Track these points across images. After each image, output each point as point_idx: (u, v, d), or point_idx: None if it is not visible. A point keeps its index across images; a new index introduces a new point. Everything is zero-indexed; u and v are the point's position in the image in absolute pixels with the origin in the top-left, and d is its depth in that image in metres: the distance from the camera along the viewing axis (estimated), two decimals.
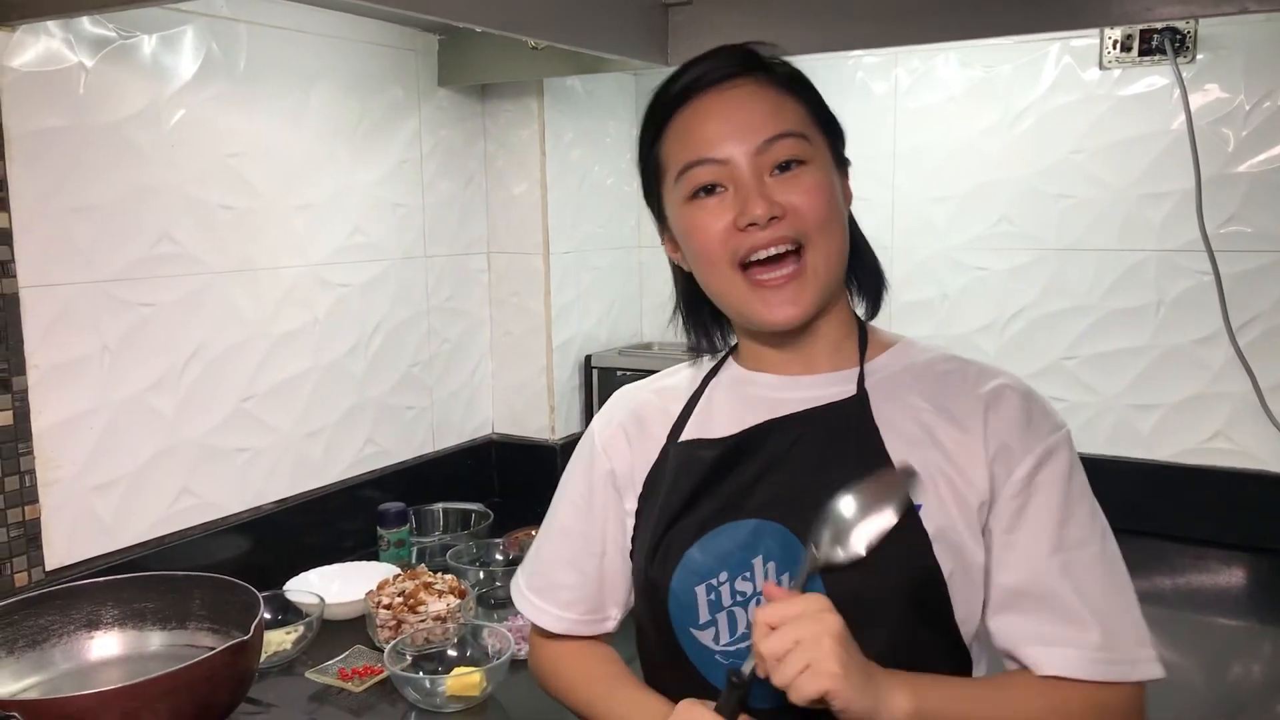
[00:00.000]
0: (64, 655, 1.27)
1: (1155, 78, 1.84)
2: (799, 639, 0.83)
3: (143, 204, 1.50)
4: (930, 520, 0.92)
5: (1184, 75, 1.78)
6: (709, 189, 0.95)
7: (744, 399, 1.04)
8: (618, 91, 2.31)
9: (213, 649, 1.24)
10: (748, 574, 0.97)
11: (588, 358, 2.22)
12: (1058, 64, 1.92)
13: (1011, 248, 2.01)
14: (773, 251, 0.93)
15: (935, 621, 0.93)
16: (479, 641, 1.42)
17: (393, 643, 1.39)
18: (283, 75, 1.71)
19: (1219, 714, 1.34)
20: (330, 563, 1.74)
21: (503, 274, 2.18)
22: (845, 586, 0.90)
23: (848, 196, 1.01)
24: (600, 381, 2.20)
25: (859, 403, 0.98)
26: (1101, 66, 1.89)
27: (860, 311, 1.06)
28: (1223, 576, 1.78)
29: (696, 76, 0.96)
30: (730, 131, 0.94)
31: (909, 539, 0.91)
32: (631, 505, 1.08)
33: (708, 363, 1.13)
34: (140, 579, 1.33)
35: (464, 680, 1.33)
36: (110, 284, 1.47)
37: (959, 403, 0.95)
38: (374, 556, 1.80)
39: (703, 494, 0.99)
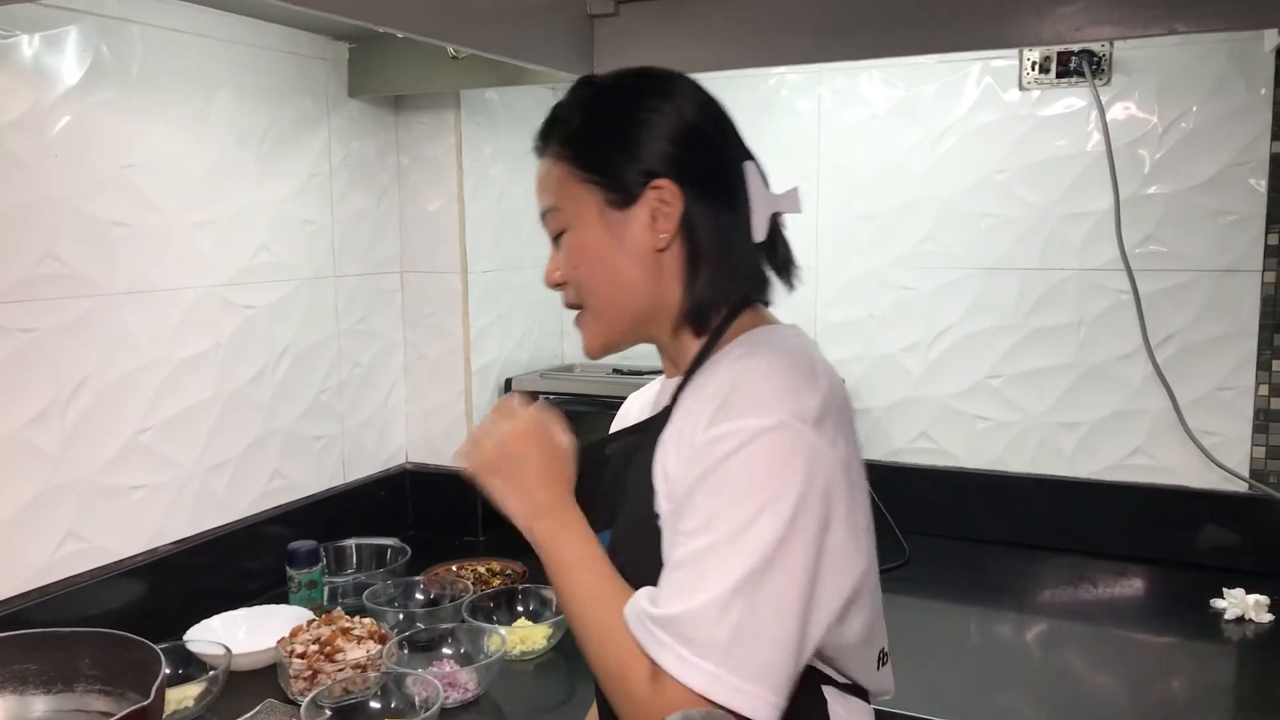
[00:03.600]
0: None
1: (1073, 99, 1.87)
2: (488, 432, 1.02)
3: (24, 220, 1.36)
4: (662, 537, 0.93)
5: (1101, 97, 1.81)
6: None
7: (650, 403, 1.10)
8: (535, 106, 2.24)
9: (107, 714, 1.12)
10: None
11: (508, 381, 2.13)
12: (979, 84, 1.93)
13: (936, 267, 2.00)
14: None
15: None
16: (403, 691, 1.32)
17: (309, 695, 1.28)
18: (182, 82, 1.58)
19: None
20: (235, 607, 1.61)
21: (417, 294, 2.08)
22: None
23: (654, 219, 0.96)
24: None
25: (659, 421, 0.97)
26: (1021, 87, 1.90)
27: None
28: (1142, 591, 1.80)
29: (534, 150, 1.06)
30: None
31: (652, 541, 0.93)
32: None
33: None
34: (19, 637, 1.19)
35: None
36: None
37: (701, 406, 0.92)
38: (283, 599, 1.68)
39: (581, 496, 1.04)
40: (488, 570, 1.79)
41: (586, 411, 2.13)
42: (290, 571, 1.64)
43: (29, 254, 1.37)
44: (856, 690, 0.98)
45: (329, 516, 1.89)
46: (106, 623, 1.43)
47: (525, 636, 1.52)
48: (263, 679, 1.44)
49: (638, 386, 2.01)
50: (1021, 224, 1.93)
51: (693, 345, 1.00)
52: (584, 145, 0.98)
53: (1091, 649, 1.57)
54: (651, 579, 0.88)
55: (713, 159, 1.00)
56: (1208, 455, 1.81)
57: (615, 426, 1.15)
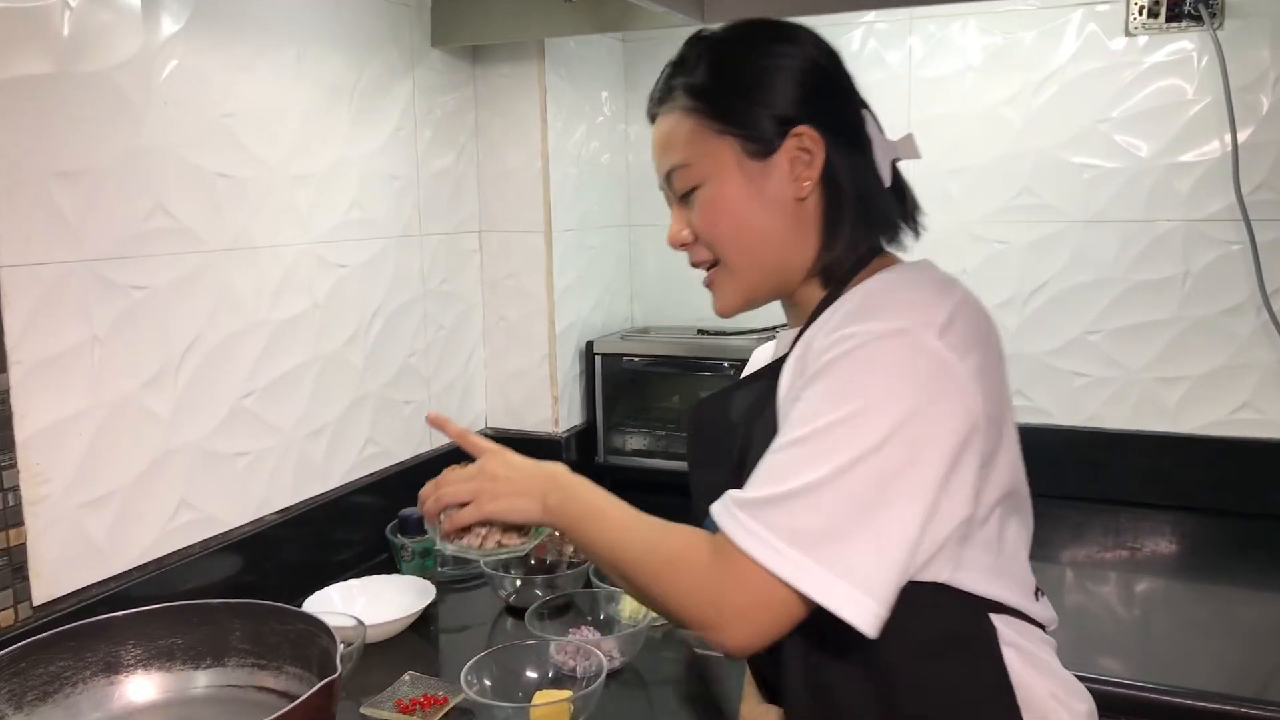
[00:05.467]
0: (90, 704, 1.05)
1: (1184, 43, 1.81)
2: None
3: (135, 169, 1.28)
4: None
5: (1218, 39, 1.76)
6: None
7: (769, 355, 1.09)
8: (607, 58, 2.17)
9: (268, 689, 1.06)
10: None
11: (589, 344, 2.07)
12: (1081, 31, 1.88)
13: (1033, 220, 1.95)
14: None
15: None
16: (552, 660, 1.26)
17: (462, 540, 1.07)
18: (276, 30, 1.49)
19: (1268, 674, 1.30)
20: (335, 578, 1.55)
21: (495, 254, 2.01)
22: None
23: (795, 167, 0.94)
24: (604, 369, 2.05)
25: (780, 362, 0.95)
26: (1127, 33, 1.85)
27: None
28: (1254, 549, 1.77)
29: (648, 108, 1.04)
30: (655, 163, 1.02)
31: None
32: None
33: None
34: (168, 610, 1.12)
35: (550, 709, 1.17)
36: (100, 263, 1.24)
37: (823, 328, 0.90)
38: (383, 569, 1.61)
39: (696, 458, 1.06)
40: None
41: (669, 373, 2.08)
42: (401, 540, 1.57)
43: (140, 206, 1.29)
44: (1026, 619, 0.94)
45: (418, 484, 1.81)
46: (217, 596, 1.36)
47: None
48: (396, 651, 1.38)
49: (720, 347, 1.97)
50: (1124, 175, 1.88)
51: (818, 293, 0.97)
52: (716, 96, 0.95)
53: (1202, 608, 1.54)
54: None
55: (843, 103, 0.98)
56: None
57: None
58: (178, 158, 1.34)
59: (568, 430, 2.04)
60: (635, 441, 2.11)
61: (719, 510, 0.83)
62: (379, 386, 1.75)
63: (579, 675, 1.23)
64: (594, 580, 1.50)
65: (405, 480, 1.80)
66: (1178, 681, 1.26)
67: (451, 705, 1.22)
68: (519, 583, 1.53)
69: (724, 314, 1.01)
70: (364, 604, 1.45)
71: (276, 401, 1.53)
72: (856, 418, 0.79)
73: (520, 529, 1.03)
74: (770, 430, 0.88)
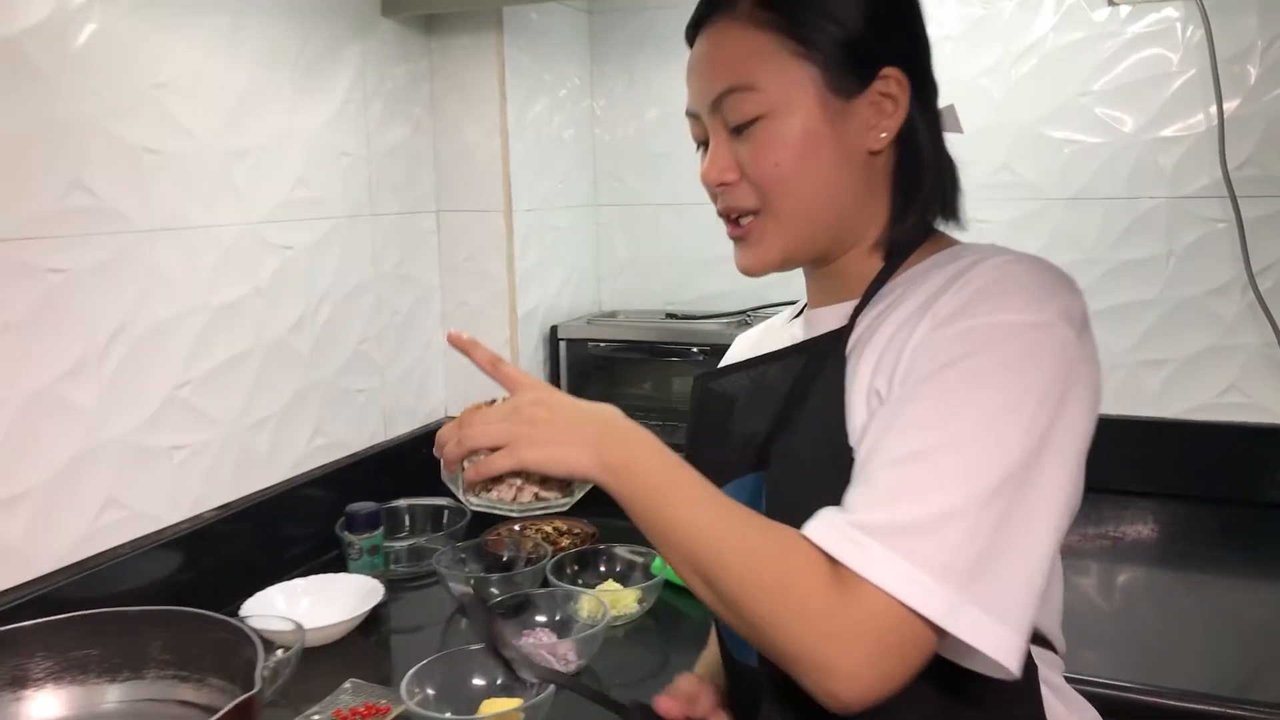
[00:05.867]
0: None
1: (1168, 11, 1.74)
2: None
3: (48, 142, 1.19)
4: None
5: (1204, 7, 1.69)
6: (702, 143, 0.89)
7: (786, 335, 0.96)
8: (571, 31, 2.08)
9: (194, 704, 0.98)
10: None
11: (553, 329, 1.99)
12: (1062, 1, 1.80)
13: (1014, 198, 1.88)
14: (739, 219, 0.87)
15: None
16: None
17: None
18: None
19: (1250, 672, 1.24)
20: (281, 577, 1.46)
21: (455, 235, 1.92)
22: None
23: (871, 115, 0.83)
24: (569, 355, 1.97)
25: (838, 336, 0.84)
26: (1110, 2, 1.77)
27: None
28: (1241, 538, 1.71)
29: (695, 15, 0.88)
30: (697, 84, 0.87)
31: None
32: None
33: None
34: (79, 619, 1.04)
35: (498, 715, 1.09)
36: (10, 244, 1.15)
37: (930, 294, 0.78)
38: (332, 566, 1.53)
39: (701, 437, 0.95)
40: (554, 530, 1.65)
41: (637, 359, 2.00)
42: (350, 537, 1.49)
43: (55, 183, 1.20)
44: (1045, 644, 0.87)
45: (373, 477, 1.74)
46: (151, 598, 1.29)
47: (615, 600, 1.39)
48: (339, 655, 1.31)
49: (689, 332, 1.90)
50: (1107, 150, 1.81)
51: (871, 266, 0.87)
52: (802, 11, 0.81)
53: (1186, 600, 1.48)
54: None
55: (925, 50, 0.87)
56: None
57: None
58: (99, 130, 1.25)
59: None
60: None
61: (831, 534, 0.68)
62: (328, 375, 1.67)
63: (528, 682, 1.16)
64: (551, 579, 1.42)
65: (358, 473, 1.72)
66: (1160, 679, 1.20)
67: (393, 716, 1.14)
68: (473, 581, 1.45)
69: (755, 270, 0.87)
70: (308, 605, 1.37)
71: (215, 391, 1.44)
72: (999, 427, 0.68)
73: (562, 482, 0.83)
74: (829, 416, 0.78)
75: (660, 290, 2.14)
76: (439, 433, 0.86)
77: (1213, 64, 1.69)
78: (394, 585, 1.54)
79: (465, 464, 0.83)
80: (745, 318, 1.92)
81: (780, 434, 0.84)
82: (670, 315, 2.00)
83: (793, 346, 0.89)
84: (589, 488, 0.83)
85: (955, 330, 0.72)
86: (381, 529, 1.51)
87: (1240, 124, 1.71)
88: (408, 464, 1.83)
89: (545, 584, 1.43)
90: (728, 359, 1.05)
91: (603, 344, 1.96)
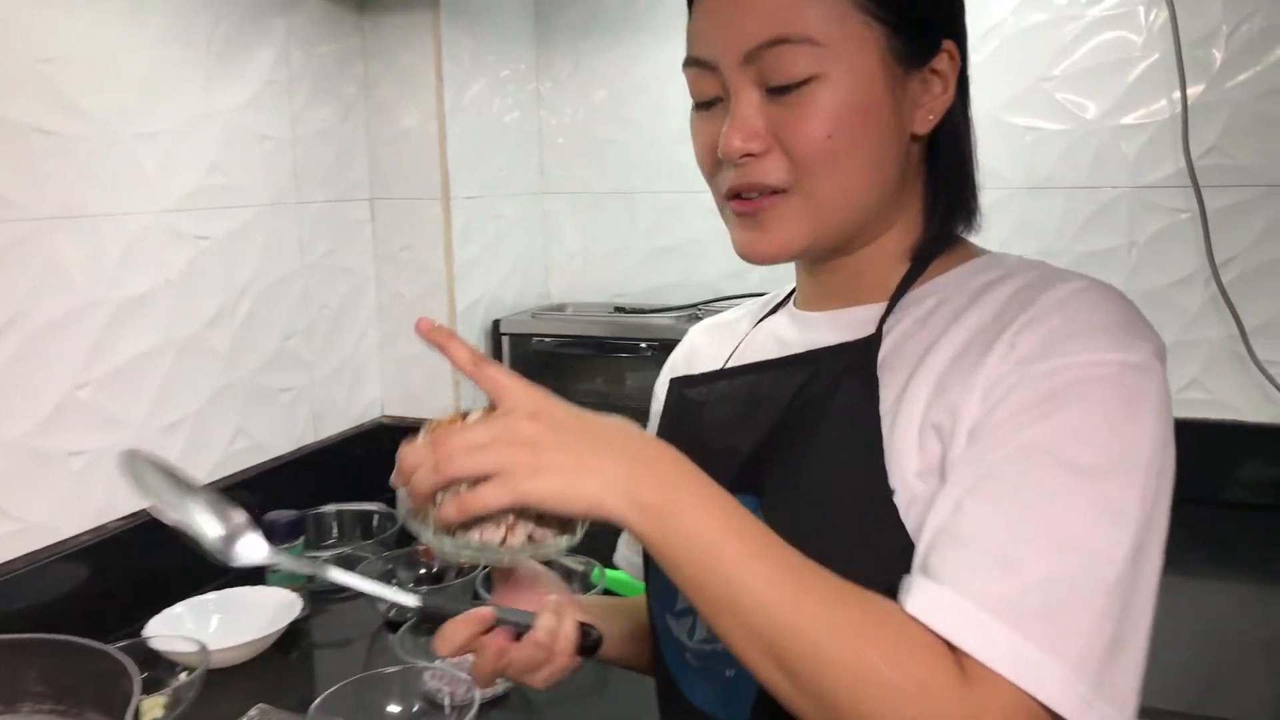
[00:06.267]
0: None
1: None
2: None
3: None
4: (915, 518, 0.65)
5: None
6: (707, 101, 0.74)
7: (774, 341, 0.83)
8: (516, 10, 1.98)
9: None
10: None
11: (496, 323, 1.90)
12: None
13: None
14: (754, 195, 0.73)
15: None
16: (422, 688, 1.10)
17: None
18: None
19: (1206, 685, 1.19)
20: (200, 590, 1.37)
21: (390, 224, 1.82)
22: None
23: (922, 93, 0.73)
24: (512, 350, 1.88)
25: (865, 346, 0.73)
26: None
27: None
28: (1201, 536, 1.65)
29: None
30: (725, 27, 0.70)
31: (882, 541, 0.65)
32: None
33: (779, 297, 0.92)
34: None
35: None
36: None
37: (992, 317, 0.68)
38: (257, 579, 1.44)
39: (685, 445, 0.72)
40: None
41: (584, 355, 1.91)
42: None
43: None
44: None
45: (300, 480, 1.65)
46: (47, 618, 1.19)
47: None
48: (251, 676, 1.22)
49: (639, 326, 1.81)
50: (1068, 138, 1.74)
51: (893, 269, 0.76)
52: None
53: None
54: (862, 570, 0.61)
55: (965, 27, 0.77)
56: (1275, 384, 1.67)
57: (683, 365, 0.93)
58: None
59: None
60: None
61: (952, 616, 0.57)
62: (250, 373, 1.57)
63: (448, 707, 1.08)
64: (481, 592, 1.34)
65: (282, 477, 1.62)
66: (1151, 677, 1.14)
67: None
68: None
69: (767, 257, 0.73)
70: (219, 622, 1.28)
71: (120, 392, 1.34)
72: (1118, 496, 0.59)
73: (562, 518, 0.66)
74: (857, 444, 0.68)
75: (610, 282, 2.06)
76: (401, 455, 0.65)
77: (1176, 48, 1.63)
78: (319, 598, 1.45)
79: (439, 497, 0.63)
80: (696, 311, 1.84)
81: (776, 454, 0.73)
82: (619, 309, 1.92)
83: (795, 356, 0.77)
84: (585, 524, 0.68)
85: (1044, 370, 0.62)
86: (303, 539, 1.42)
87: (1205, 110, 1.66)
88: (338, 467, 1.74)
89: (476, 596, 1.35)
90: (688, 355, 0.94)
91: (548, 339, 1.88)
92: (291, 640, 1.34)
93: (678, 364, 0.95)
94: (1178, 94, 1.65)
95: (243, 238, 1.53)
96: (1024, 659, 0.55)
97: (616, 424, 0.64)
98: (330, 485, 1.69)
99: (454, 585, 1.37)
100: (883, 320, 0.73)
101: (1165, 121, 1.67)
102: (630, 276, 2.04)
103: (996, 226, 1.88)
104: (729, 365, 0.86)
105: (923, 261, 0.76)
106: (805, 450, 0.71)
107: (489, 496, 0.60)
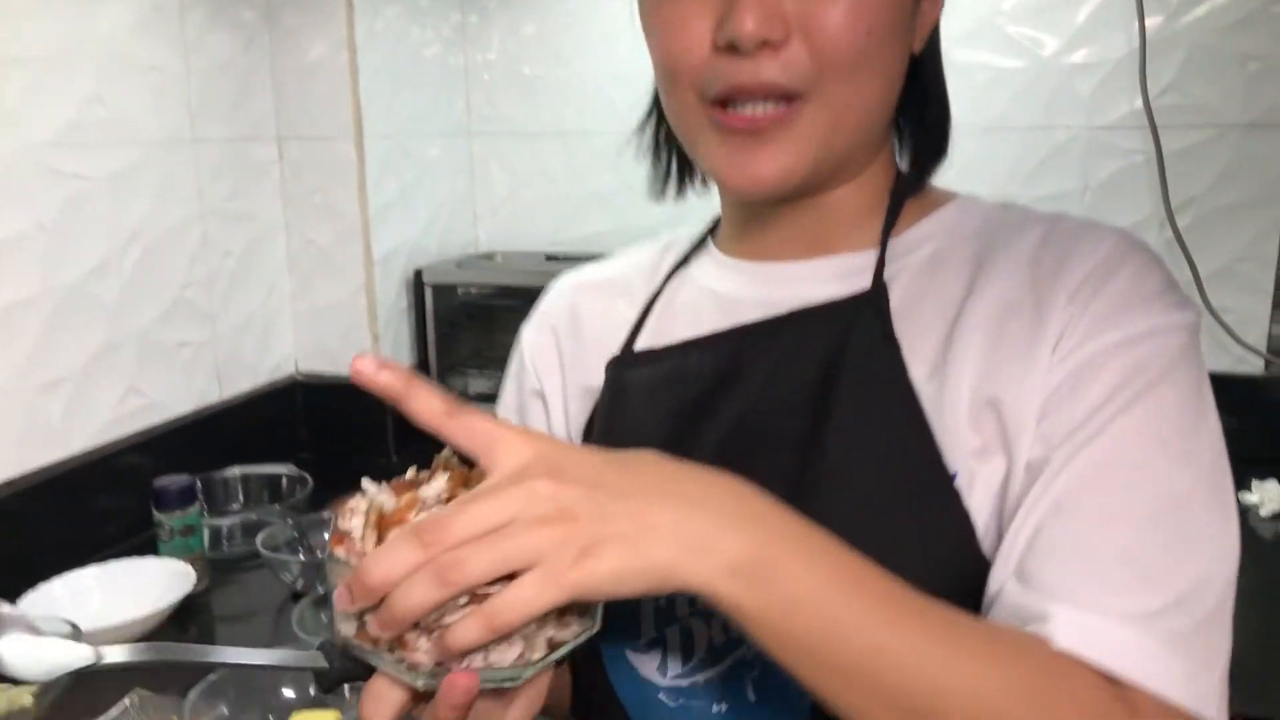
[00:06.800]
0: None
1: None
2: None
3: None
4: (978, 501, 0.58)
5: None
6: None
7: (718, 299, 0.71)
8: None
9: None
10: None
11: (418, 273, 1.78)
12: None
13: None
14: (759, 106, 0.60)
15: None
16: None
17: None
18: None
19: None
20: (86, 562, 1.25)
21: (299, 166, 1.69)
22: None
23: (923, 5, 0.65)
24: (436, 302, 1.77)
25: (872, 303, 0.64)
26: None
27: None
28: None
29: None
30: None
31: (944, 531, 0.58)
32: None
33: (677, 244, 0.79)
34: None
35: None
36: None
37: (1029, 274, 0.61)
38: (151, 548, 1.32)
39: (647, 439, 0.60)
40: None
41: (514, 307, 1.80)
42: (158, 515, 1.28)
43: None
44: None
45: (204, 442, 1.53)
46: None
47: None
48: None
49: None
50: (1023, 76, 1.66)
51: (869, 211, 0.67)
52: None
53: None
54: (924, 562, 0.54)
55: None
56: (1229, 332, 1.61)
57: (569, 335, 0.78)
58: None
59: None
60: (478, 385, 1.84)
61: (1107, 642, 0.50)
62: (143, 326, 1.44)
63: (348, 690, 0.98)
64: None
65: (183, 439, 1.50)
66: None
67: None
68: (303, 559, 1.26)
69: (769, 184, 0.61)
70: (100, 600, 1.17)
71: None
72: (1219, 485, 0.55)
73: (581, 605, 0.50)
74: (891, 421, 0.60)
75: (542, 230, 1.94)
76: (363, 568, 0.46)
77: None
78: (223, 567, 1.35)
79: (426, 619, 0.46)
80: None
81: (784, 437, 0.63)
82: (551, 258, 1.80)
83: (771, 322, 0.66)
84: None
85: (1120, 341, 0.57)
86: (198, 504, 1.30)
87: (1163, 46, 1.57)
88: (247, 427, 1.62)
89: None
90: (572, 322, 0.78)
91: (474, 290, 1.77)
92: (189, 614, 1.24)
93: (560, 330, 0.78)
94: (1135, 26, 1.56)
95: (130, 178, 1.39)
96: (1187, 678, 0.50)
97: (657, 461, 0.50)
98: (239, 447, 1.58)
99: None
100: (880, 271, 0.64)
101: (1122, 58, 1.59)
102: (564, 223, 1.93)
103: (945, 168, 1.79)
104: (646, 326, 0.73)
105: (898, 203, 0.68)
106: (826, 429, 0.60)
107: (528, 599, 0.44)
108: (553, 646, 0.49)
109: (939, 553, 0.56)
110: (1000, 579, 0.55)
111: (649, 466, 0.50)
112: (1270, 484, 1.49)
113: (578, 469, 0.47)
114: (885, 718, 0.48)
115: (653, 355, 0.71)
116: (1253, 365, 1.64)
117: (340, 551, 0.50)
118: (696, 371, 0.67)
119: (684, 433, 0.66)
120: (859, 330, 0.63)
